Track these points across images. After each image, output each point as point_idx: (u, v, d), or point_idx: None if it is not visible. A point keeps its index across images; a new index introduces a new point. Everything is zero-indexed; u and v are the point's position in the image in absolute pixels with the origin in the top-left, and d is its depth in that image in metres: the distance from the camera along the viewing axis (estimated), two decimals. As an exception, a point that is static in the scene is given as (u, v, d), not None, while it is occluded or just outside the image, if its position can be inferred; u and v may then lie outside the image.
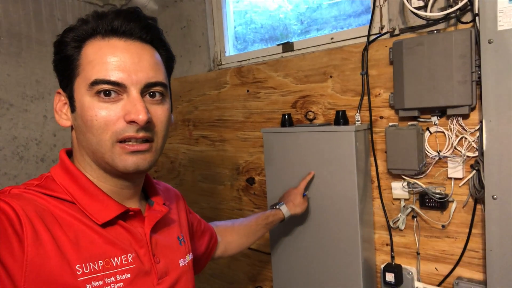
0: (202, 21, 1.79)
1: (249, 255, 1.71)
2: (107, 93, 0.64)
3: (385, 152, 1.23)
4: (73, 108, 0.67)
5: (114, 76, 0.63)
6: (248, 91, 1.61)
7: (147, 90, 0.67)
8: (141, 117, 0.63)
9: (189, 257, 0.83)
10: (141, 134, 0.65)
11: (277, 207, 1.23)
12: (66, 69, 0.67)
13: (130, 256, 0.67)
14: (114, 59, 0.64)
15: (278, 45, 1.54)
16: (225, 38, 1.75)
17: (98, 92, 0.64)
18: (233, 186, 1.73)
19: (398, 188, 1.23)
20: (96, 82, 0.63)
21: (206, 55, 1.80)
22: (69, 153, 0.74)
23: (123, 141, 0.65)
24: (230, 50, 1.76)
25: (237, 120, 1.67)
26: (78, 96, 0.66)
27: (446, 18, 1.08)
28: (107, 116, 0.63)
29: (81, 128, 0.66)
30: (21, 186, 0.65)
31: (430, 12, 1.10)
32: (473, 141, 1.08)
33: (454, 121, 1.10)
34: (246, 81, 1.62)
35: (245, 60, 1.66)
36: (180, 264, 0.78)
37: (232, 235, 1.15)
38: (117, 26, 0.65)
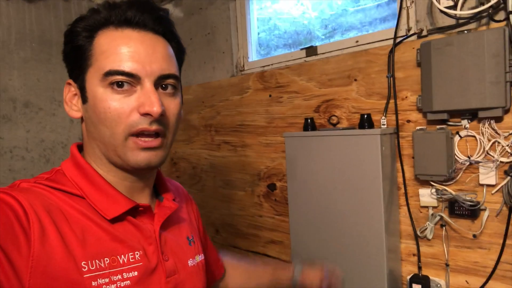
0: (226, 28, 1.80)
1: (270, 263, 1.67)
2: (120, 84, 0.62)
3: (413, 157, 1.18)
4: (84, 99, 0.66)
5: (128, 67, 0.62)
6: (270, 95, 1.60)
7: (160, 82, 0.65)
8: (156, 109, 0.62)
9: (198, 258, 0.80)
10: (154, 127, 0.64)
11: (294, 268, 1.02)
12: (77, 59, 0.65)
13: (137, 254, 0.65)
14: (128, 49, 0.63)
15: (302, 49, 1.53)
16: (249, 44, 1.76)
17: (111, 83, 0.62)
18: (254, 192, 1.71)
19: (426, 195, 1.18)
20: (110, 73, 0.62)
21: (229, 61, 1.80)
22: (80, 148, 0.72)
23: (136, 134, 0.64)
24: (253, 55, 1.76)
25: (259, 125, 1.66)
26: (91, 87, 0.64)
27: (477, 17, 1.04)
28: (120, 108, 0.62)
29: (92, 120, 0.65)
30: (31, 180, 0.64)
31: (460, 11, 1.06)
32: (507, 145, 1.02)
33: (486, 124, 1.05)
34: (268, 86, 1.60)
35: (268, 65, 1.65)
36: (189, 264, 0.76)
37: (237, 271, 1.05)
38: (130, 16, 0.64)
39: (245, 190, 1.75)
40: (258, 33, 1.78)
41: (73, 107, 0.68)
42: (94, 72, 0.64)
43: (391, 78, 1.22)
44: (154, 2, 0.69)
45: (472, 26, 1.07)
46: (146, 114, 0.62)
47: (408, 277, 1.19)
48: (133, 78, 0.63)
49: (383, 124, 1.24)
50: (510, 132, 1.02)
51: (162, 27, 0.68)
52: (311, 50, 1.50)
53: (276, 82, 1.57)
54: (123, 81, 0.62)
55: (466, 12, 1.04)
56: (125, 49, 0.63)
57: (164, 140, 0.67)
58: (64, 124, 1.86)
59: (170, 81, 0.67)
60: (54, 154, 1.82)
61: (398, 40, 1.21)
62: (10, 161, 1.71)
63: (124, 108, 0.62)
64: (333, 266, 1.05)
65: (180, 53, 0.73)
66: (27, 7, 1.74)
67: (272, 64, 1.64)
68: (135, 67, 0.62)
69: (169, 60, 0.67)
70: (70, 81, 0.69)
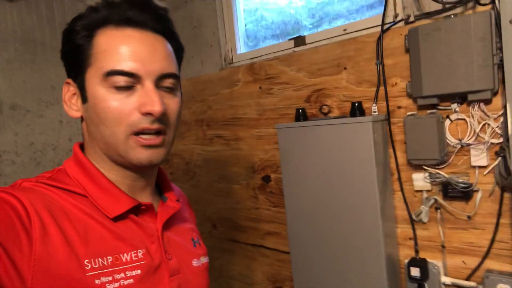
0: (212, 20, 1.78)
1: (268, 254, 1.68)
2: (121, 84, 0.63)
3: (405, 142, 1.19)
4: (84, 99, 0.66)
5: (129, 67, 0.62)
6: (260, 87, 1.59)
7: (160, 81, 0.66)
8: (157, 108, 0.62)
9: (204, 259, 0.80)
10: (155, 126, 0.64)
11: None
12: (76, 58, 0.65)
13: (140, 252, 0.65)
14: (128, 49, 0.63)
15: (290, 39, 1.52)
16: (236, 36, 1.74)
17: (112, 84, 0.62)
18: (249, 185, 1.71)
19: (420, 180, 1.19)
20: (110, 73, 0.62)
21: (217, 54, 1.79)
22: (82, 146, 0.72)
23: (137, 133, 0.64)
24: (241, 48, 1.75)
25: (251, 118, 1.65)
26: (91, 87, 0.64)
27: (464, 1, 1.04)
28: (121, 108, 0.62)
29: (93, 119, 0.65)
30: (33, 179, 0.64)
31: (447, -5, 1.06)
32: (497, 126, 1.04)
33: (476, 107, 1.06)
34: (258, 78, 1.60)
35: (257, 57, 1.65)
36: (194, 264, 0.76)
37: None
38: (131, 16, 0.64)
39: (240, 183, 1.75)
40: (245, 25, 1.76)
41: (73, 107, 0.68)
42: (94, 72, 0.64)
43: (380, 65, 1.23)
44: (153, 1, 0.68)
45: (458, 10, 1.08)
46: (147, 114, 0.63)
47: (406, 261, 1.21)
48: (133, 78, 0.63)
49: (374, 111, 1.24)
50: (500, 113, 1.03)
51: (162, 25, 0.68)
52: (299, 40, 1.50)
53: (265, 74, 1.57)
54: (124, 81, 0.62)
55: (452, -4, 1.04)
56: (125, 48, 0.63)
57: (165, 137, 0.67)
58: (53, 126, 1.83)
59: (170, 80, 0.67)
60: (44, 157, 1.80)
61: (385, 27, 1.21)
62: (0, 166, 1.68)
63: (124, 108, 0.63)
64: None
65: (179, 51, 0.74)
66: (8, 7, 1.70)
67: (260, 56, 1.63)
68: (136, 66, 0.63)
69: (169, 59, 0.67)
70: (69, 80, 0.68)
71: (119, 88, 0.62)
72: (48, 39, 1.81)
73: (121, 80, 0.62)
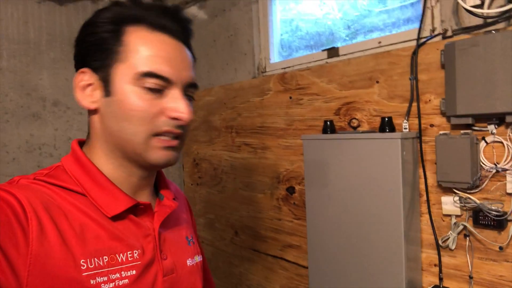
0: (248, 29, 1.80)
1: (287, 267, 1.65)
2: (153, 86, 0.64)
3: (435, 163, 1.13)
4: (107, 93, 0.65)
5: (165, 71, 0.64)
6: (291, 97, 1.58)
7: (187, 89, 0.68)
8: (187, 116, 0.65)
9: (197, 258, 0.80)
10: (179, 130, 0.66)
11: None
12: (99, 50, 0.65)
13: (136, 253, 0.65)
14: (165, 54, 0.65)
15: (323, 50, 1.50)
16: (270, 45, 1.75)
17: (145, 84, 0.63)
18: (273, 195, 1.69)
19: (449, 203, 1.12)
20: (147, 74, 0.63)
21: (251, 62, 1.80)
22: (82, 143, 0.72)
23: (157, 134, 0.65)
24: (275, 57, 1.75)
25: (279, 127, 1.64)
26: (120, 83, 0.64)
27: (505, 16, 0.98)
28: (149, 109, 0.63)
29: (116, 114, 0.65)
30: (31, 176, 0.64)
31: (488, 9, 1.00)
32: (538, 152, 0.96)
33: (515, 130, 0.99)
34: (289, 87, 1.59)
35: (289, 67, 1.64)
36: (188, 263, 0.75)
37: None
38: (165, 22, 0.66)
39: (265, 192, 1.73)
40: (281, 34, 1.76)
41: (88, 98, 0.67)
42: (125, 69, 0.64)
43: (414, 81, 1.18)
44: (182, 9, 0.71)
45: (500, 26, 1.01)
46: (174, 119, 0.65)
47: (429, 288, 1.14)
48: (166, 82, 0.65)
49: (405, 128, 1.19)
50: (541, 138, 0.95)
51: (186, 36, 0.71)
52: (332, 51, 1.47)
53: (296, 84, 1.55)
54: (158, 83, 0.64)
55: (494, 11, 0.98)
56: (162, 53, 0.65)
57: (180, 142, 0.69)
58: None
59: (193, 89, 0.70)
60: (80, 152, 1.88)
61: (421, 41, 1.16)
62: (39, 158, 1.78)
63: (151, 110, 0.64)
64: None
65: (194, 62, 0.76)
66: (58, 9, 1.81)
67: (293, 66, 1.62)
68: (171, 71, 0.65)
69: (194, 69, 0.71)
70: (86, 69, 0.67)
71: (150, 90, 0.64)
72: (92, 41, 1.90)
73: (155, 83, 0.64)
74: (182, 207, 0.85)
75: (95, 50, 0.66)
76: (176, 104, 0.64)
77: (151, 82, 0.63)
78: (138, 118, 0.63)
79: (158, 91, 0.64)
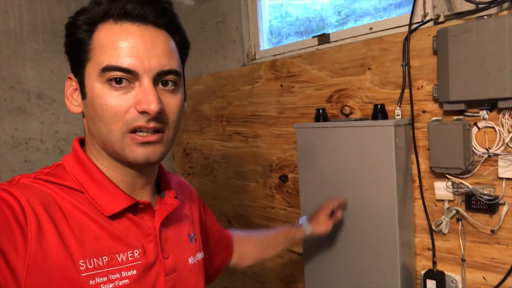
0: (237, 16, 1.76)
1: (282, 255, 1.66)
2: (118, 80, 0.61)
3: (428, 149, 1.14)
4: (83, 95, 0.65)
5: (126, 63, 0.60)
6: (282, 85, 1.57)
7: (159, 78, 0.64)
8: (153, 107, 0.60)
9: (199, 255, 0.79)
10: (152, 125, 0.62)
11: (300, 223, 1.17)
12: (77, 53, 0.64)
13: (136, 252, 0.64)
14: (126, 44, 0.61)
15: (314, 37, 1.48)
16: (260, 32, 1.72)
17: (109, 80, 0.61)
18: (266, 184, 1.69)
19: (442, 189, 1.13)
20: (107, 69, 0.60)
21: (240, 50, 1.77)
22: (83, 142, 0.72)
23: (133, 131, 0.62)
24: (264, 44, 1.72)
25: (271, 116, 1.63)
26: (89, 82, 0.63)
27: (498, 1, 0.98)
28: (118, 105, 0.61)
29: (91, 116, 0.64)
30: (32, 175, 0.64)
31: (480, -5, 1.00)
32: (529, 137, 0.97)
33: (506, 115, 1.00)
34: (280, 75, 1.57)
35: (280, 54, 1.62)
36: (190, 261, 0.75)
37: (248, 246, 1.09)
38: (130, 9, 0.62)
39: (257, 181, 1.73)
40: (270, 21, 1.73)
41: (73, 102, 0.67)
42: (92, 67, 0.62)
43: (406, 67, 1.17)
44: None
45: (492, 11, 1.01)
46: (143, 112, 0.61)
47: (423, 272, 1.16)
48: (131, 75, 0.61)
49: (398, 115, 1.19)
50: (532, 123, 0.96)
51: (165, 20, 0.65)
52: (323, 38, 1.46)
53: (287, 71, 1.54)
54: (121, 77, 0.61)
55: (486, -4, 0.98)
56: (123, 44, 0.61)
57: (163, 135, 0.65)
58: (77, 115, 1.86)
59: (171, 77, 0.65)
60: (68, 145, 1.84)
61: (413, 26, 1.15)
62: (26, 153, 1.74)
63: (121, 105, 0.61)
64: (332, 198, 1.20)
65: (184, 48, 0.71)
66: (38, -1, 1.74)
67: (283, 53, 1.60)
68: (133, 63, 0.60)
69: (170, 55, 0.65)
70: (71, 75, 0.67)
71: (117, 85, 0.61)
72: (75, 30, 1.84)
73: (117, 76, 0.60)
74: (185, 203, 0.84)
75: (74, 53, 0.65)
76: (141, 96, 0.61)
77: (113, 77, 0.60)
78: (109, 116, 0.61)
79: (125, 86, 0.61)
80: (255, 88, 1.68)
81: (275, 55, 1.63)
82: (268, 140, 1.65)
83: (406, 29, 1.18)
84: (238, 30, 1.76)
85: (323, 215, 1.17)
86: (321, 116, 1.34)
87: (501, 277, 1.05)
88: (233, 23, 1.78)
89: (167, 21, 0.66)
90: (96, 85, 0.62)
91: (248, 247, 1.09)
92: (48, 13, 1.77)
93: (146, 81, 0.62)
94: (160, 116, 0.63)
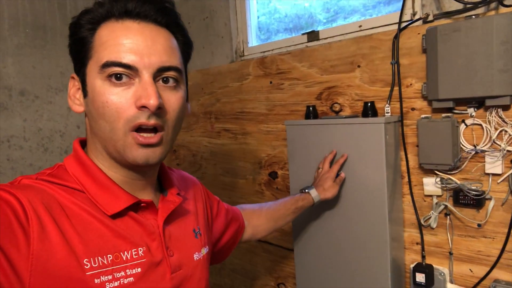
0: (224, 11, 1.75)
1: (271, 250, 1.67)
2: (118, 76, 0.61)
3: (417, 146, 1.16)
4: (85, 93, 0.65)
5: (126, 59, 0.60)
6: (271, 82, 1.57)
7: (160, 74, 0.64)
8: (152, 102, 0.60)
9: (204, 250, 0.80)
10: (152, 121, 0.62)
11: (306, 191, 1.18)
12: (79, 52, 0.65)
13: (140, 250, 0.64)
14: (127, 41, 0.61)
15: (303, 34, 1.49)
16: (248, 28, 1.71)
17: (109, 76, 0.61)
18: (255, 180, 1.69)
19: (430, 184, 1.16)
20: (107, 64, 0.60)
21: (228, 46, 1.76)
22: (84, 143, 0.72)
23: (135, 130, 0.62)
24: (253, 40, 1.72)
25: (260, 113, 1.63)
26: (90, 80, 0.63)
27: (486, 1, 1.00)
28: (119, 102, 0.61)
29: (93, 114, 0.64)
30: (34, 176, 0.64)
31: (469, -5, 1.02)
32: (515, 134, 1.00)
33: (493, 113, 1.03)
34: (269, 72, 1.57)
35: (269, 51, 1.61)
36: (195, 257, 0.76)
37: (260, 219, 1.12)
38: (131, 7, 0.62)
39: (246, 178, 1.73)
40: (258, 17, 1.73)
41: (76, 101, 0.67)
42: (93, 64, 0.62)
43: (396, 65, 1.19)
44: None
45: (480, 10, 1.03)
46: (143, 107, 0.61)
47: (412, 266, 1.19)
48: (131, 70, 0.61)
49: (387, 112, 1.21)
50: (518, 120, 1.00)
51: (166, 18, 0.66)
52: (312, 35, 1.46)
53: (276, 68, 1.54)
54: (121, 73, 0.60)
55: (475, -4, 1.00)
56: (123, 40, 0.61)
57: (163, 135, 0.65)
58: (61, 112, 1.82)
59: (171, 73, 0.65)
60: (52, 143, 1.80)
61: (403, 25, 1.17)
62: (8, 151, 1.69)
63: (122, 102, 0.61)
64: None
65: (186, 46, 0.71)
66: (19, -8, 1.69)
67: (272, 50, 1.60)
68: (133, 58, 0.60)
69: (171, 52, 0.65)
70: (74, 75, 0.68)
71: (117, 81, 0.61)
72: (58, 25, 1.79)
73: (117, 72, 0.60)
74: (188, 198, 0.84)
75: (76, 52, 0.66)
76: (141, 92, 0.61)
77: (113, 73, 0.60)
78: (110, 114, 0.61)
79: (126, 82, 0.61)
80: (244, 85, 1.68)
81: (264, 52, 1.63)
82: (257, 137, 1.66)
83: (395, 27, 1.19)
84: (226, 26, 1.75)
85: (329, 180, 1.19)
86: (311, 113, 1.35)
87: (487, 269, 1.09)
88: (221, 19, 1.77)
89: (168, 20, 0.66)
90: (97, 82, 0.62)
91: (261, 220, 1.12)
92: (30, 7, 1.71)
93: (146, 76, 0.61)
94: (159, 112, 0.63)
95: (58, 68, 1.80)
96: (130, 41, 0.61)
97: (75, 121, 1.86)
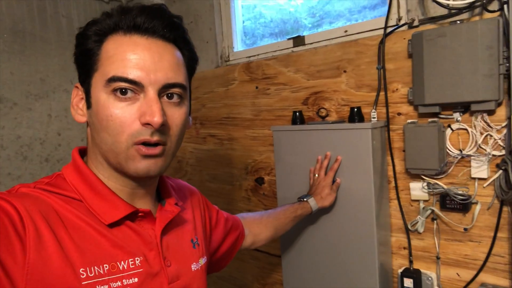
0: (209, 16, 1.73)
1: (259, 257, 1.65)
2: (123, 91, 0.61)
3: (403, 150, 1.16)
4: (89, 105, 0.65)
5: (132, 74, 0.60)
6: (257, 87, 1.55)
7: (165, 91, 0.64)
8: (156, 119, 0.60)
9: (202, 260, 0.79)
10: (155, 138, 0.62)
11: (304, 200, 1.18)
12: (85, 63, 0.64)
13: (137, 260, 0.64)
14: (133, 56, 0.61)
15: (289, 39, 1.48)
16: (233, 33, 1.70)
17: (114, 90, 0.61)
18: (242, 186, 1.67)
19: (417, 189, 1.16)
20: (113, 79, 0.60)
21: (213, 51, 1.74)
22: (83, 152, 0.72)
23: (138, 143, 0.62)
24: (238, 45, 1.70)
25: (246, 118, 1.61)
26: (95, 92, 0.63)
27: (471, 7, 1.01)
28: (123, 117, 0.61)
29: (96, 126, 0.64)
30: (32, 184, 0.63)
31: (453, 0, 1.02)
32: (500, 138, 1.01)
33: (479, 118, 1.03)
34: (255, 77, 1.56)
35: (254, 56, 1.60)
36: (193, 268, 0.75)
37: (260, 227, 1.12)
38: (140, 22, 0.62)
39: (233, 184, 1.71)
40: (243, 22, 1.72)
41: (79, 111, 0.68)
42: (99, 77, 0.62)
43: (382, 70, 1.19)
44: (166, 8, 0.67)
45: (465, 16, 1.04)
46: (147, 124, 0.61)
47: (400, 271, 1.19)
48: (136, 86, 0.61)
49: (374, 118, 1.21)
50: (503, 125, 1.00)
51: (173, 34, 0.66)
52: (298, 40, 1.46)
53: (262, 74, 1.53)
54: (126, 88, 0.61)
55: (459, 2, 1.01)
56: (131, 55, 0.61)
57: (165, 148, 0.65)
58: (41, 119, 1.77)
59: (176, 90, 0.65)
60: (31, 151, 1.74)
61: (388, 30, 1.17)
62: (-15, 159, 1.63)
63: (126, 117, 0.61)
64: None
65: (192, 62, 0.72)
66: (-3, -5, 1.63)
67: (258, 55, 1.59)
68: (139, 74, 0.61)
69: (177, 69, 0.65)
70: (78, 84, 0.68)
71: (122, 96, 0.61)
72: (38, 30, 1.74)
73: (123, 87, 0.60)
74: (186, 208, 0.84)
75: (82, 63, 0.66)
76: (146, 108, 0.61)
77: (118, 87, 0.61)
78: (113, 127, 0.61)
79: (130, 97, 0.61)
80: (230, 90, 1.66)
81: (249, 57, 1.62)
82: (243, 143, 1.64)
83: (380, 32, 1.20)
84: (211, 31, 1.73)
85: (326, 189, 1.18)
86: (298, 118, 1.34)
87: (474, 272, 1.09)
88: (206, 24, 1.75)
89: (175, 35, 0.66)
90: (102, 95, 0.62)
91: (261, 229, 1.11)
92: (8, 12, 1.66)
93: (151, 93, 0.62)
94: (163, 129, 0.63)
95: (37, 74, 1.75)
96: (137, 57, 0.61)
97: (56, 128, 1.80)
